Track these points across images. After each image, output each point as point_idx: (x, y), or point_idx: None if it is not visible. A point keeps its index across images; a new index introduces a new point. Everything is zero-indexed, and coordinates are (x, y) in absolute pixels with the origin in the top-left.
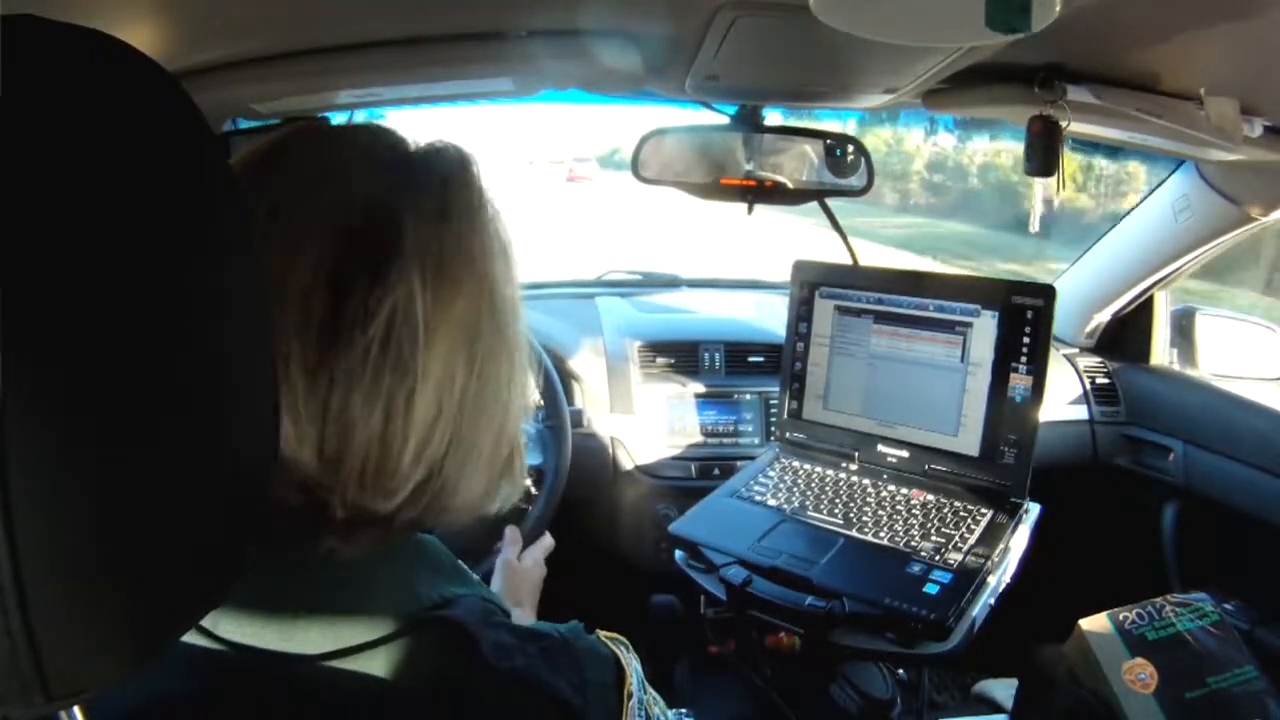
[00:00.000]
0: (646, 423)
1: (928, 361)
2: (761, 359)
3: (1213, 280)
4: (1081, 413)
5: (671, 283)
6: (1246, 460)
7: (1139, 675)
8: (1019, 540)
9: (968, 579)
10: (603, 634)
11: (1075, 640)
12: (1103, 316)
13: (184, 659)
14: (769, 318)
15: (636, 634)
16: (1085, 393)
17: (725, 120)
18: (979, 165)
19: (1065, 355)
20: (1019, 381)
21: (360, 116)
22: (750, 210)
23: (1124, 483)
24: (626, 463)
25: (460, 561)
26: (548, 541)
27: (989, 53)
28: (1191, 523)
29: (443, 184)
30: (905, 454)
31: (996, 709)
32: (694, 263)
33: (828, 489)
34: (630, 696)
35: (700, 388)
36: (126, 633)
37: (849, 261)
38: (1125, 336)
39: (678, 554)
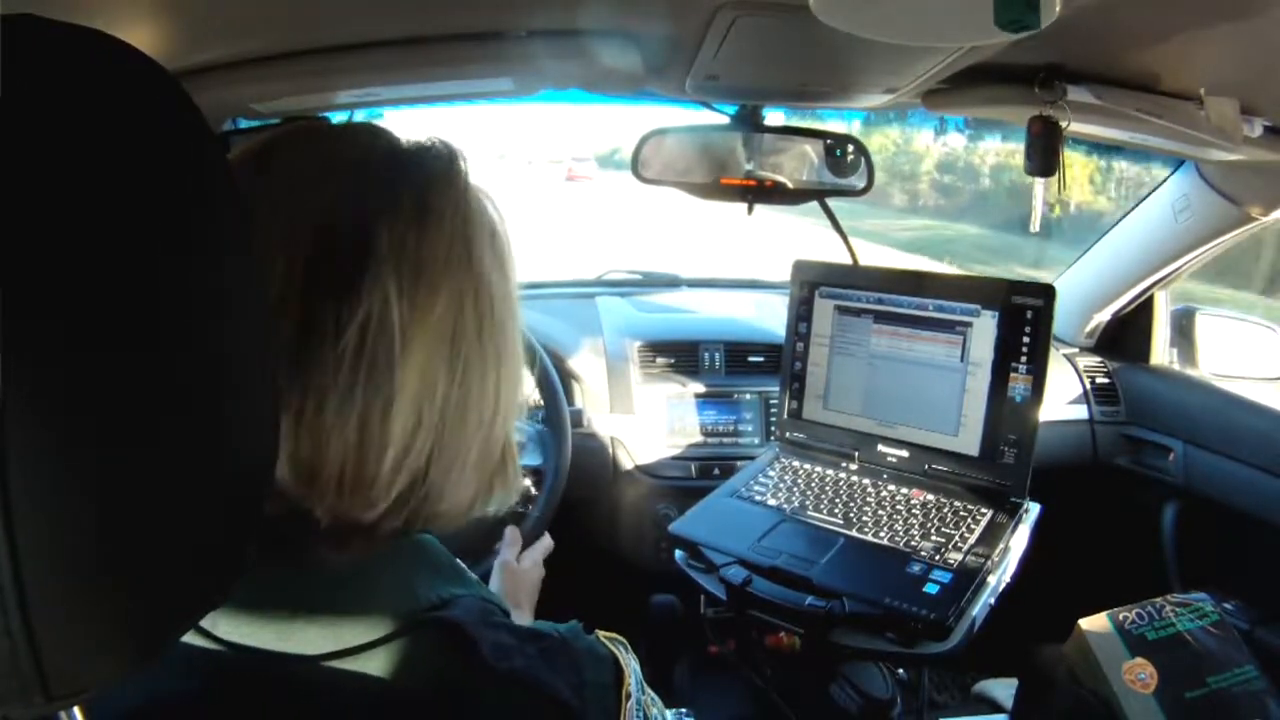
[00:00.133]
0: (646, 423)
1: (928, 361)
2: (761, 359)
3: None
4: (1081, 413)
5: (671, 283)
6: (1246, 460)
7: (1139, 675)
8: (1019, 540)
9: (968, 579)
10: (601, 634)
11: (1075, 640)
12: (1103, 316)
13: (183, 659)
14: (769, 318)
15: (636, 634)
16: (1085, 393)
17: (725, 120)
18: (991, 166)
19: (1065, 355)
20: (1019, 381)
21: (360, 116)
22: (750, 210)
23: (1124, 483)
24: (626, 463)
25: (459, 561)
26: (546, 543)
27: (989, 53)
28: (1191, 523)
29: (422, 186)
30: (905, 454)
31: (996, 709)
32: (694, 263)
33: (828, 489)
34: (629, 697)
35: (700, 388)
36: (126, 633)
37: (849, 261)
38: (1125, 336)
39: (678, 554)
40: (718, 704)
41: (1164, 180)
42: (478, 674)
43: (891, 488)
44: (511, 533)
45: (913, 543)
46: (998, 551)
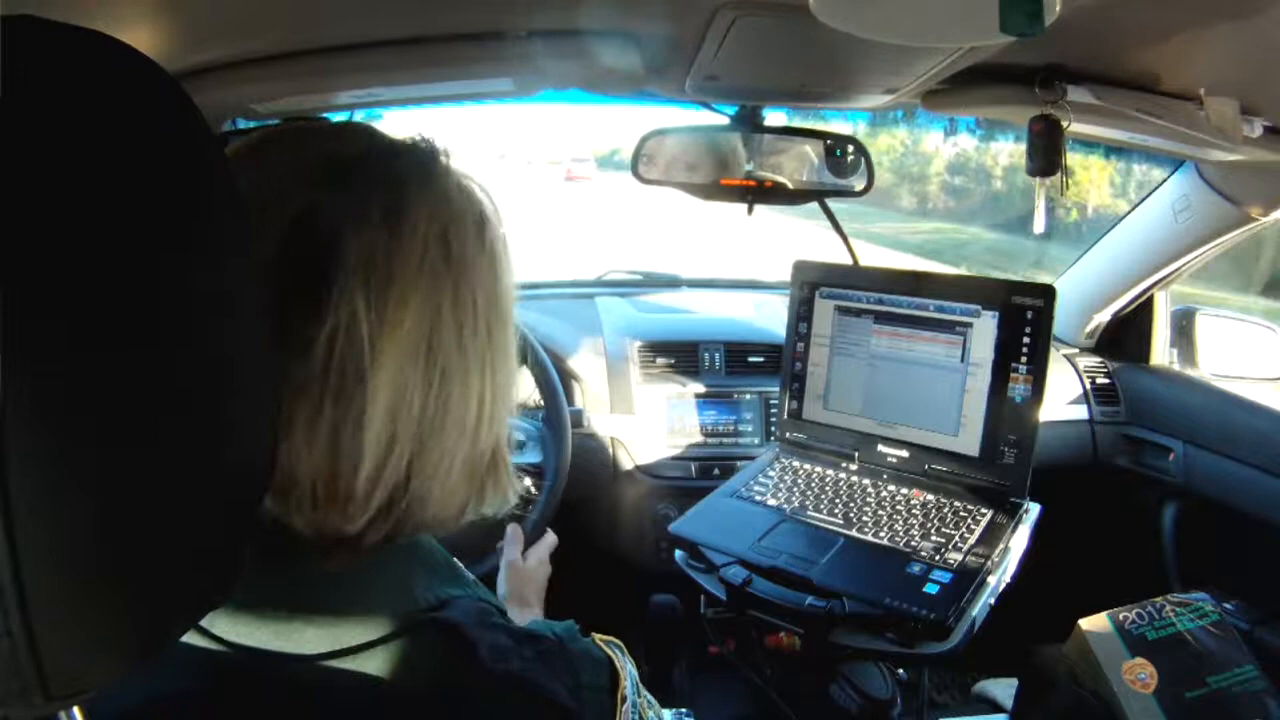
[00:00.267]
0: (646, 423)
1: (928, 361)
2: (761, 359)
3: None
4: (1081, 413)
5: (671, 283)
6: (1246, 460)
7: (1139, 675)
8: (1019, 540)
9: (968, 579)
10: (598, 638)
11: (1075, 640)
12: (1103, 316)
13: (182, 658)
14: (769, 318)
15: (636, 634)
16: (1085, 393)
17: (725, 120)
18: (1004, 167)
19: (1065, 355)
20: (1019, 381)
21: (360, 117)
22: (750, 211)
23: (1124, 483)
24: (626, 463)
25: (456, 560)
26: (551, 539)
27: (989, 53)
28: (1191, 523)
29: (395, 189)
30: (905, 454)
31: (996, 709)
32: (694, 263)
33: (828, 489)
34: (624, 700)
35: (700, 388)
36: (126, 633)
37: (849, 262)
38: (1125, 336)
39: (678, 554)
40: (718, 704)
41: (1164, 180)
42: (475, 675)
43: (891, 488)
44: (513, 531)
45: (913, 543)
46: (998, 551)
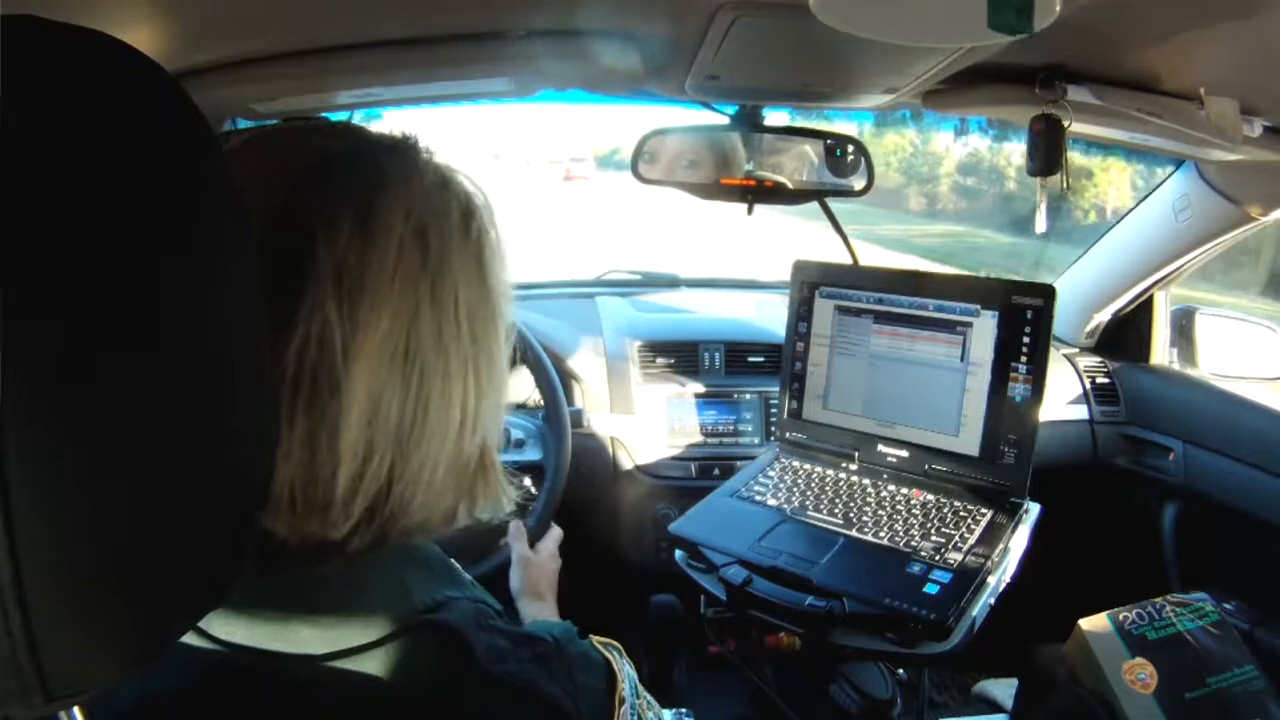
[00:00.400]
0: (646, 423)
1: (928, 361)
2: (761, 359)
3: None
4: (1081, 413)
5: (671, 283)
6: (1246, 460)
7: (1139, 675)
8: (1019, 540)
9: (968, 579)
10: (595, 640)
11: (1075, 640)
12: (1103, 316)
13: (180, 658)
14: (769, 318)
15: (636, 633)
16: (1085, 393)
17: (725, 120)
18: (1018, 167)
19: (1065, 355)
20: (1019, 381)
21: (360, 117)
22: (750, 210)
23: (1124, 483)
24: (626, 463)
25: (453, 562)
26: (557, 533)
27: (989, 53)
28: (1191, 523)
29: (371, 188)
30: (905, 454)
31: (996, 709)
32: (694, 263)
33: (828, 489)
34: (622, 702)
35: (700, 388)
36: (126, 633)
37: (849, 262)
38: (1125, 336)
39: (678, 554)
40: (718, 704)
41: (1164, 180)
42: (472, 677)
43: (891, 488)
44: (516, 527)
45: (913, 543)
46: (998, 551)
